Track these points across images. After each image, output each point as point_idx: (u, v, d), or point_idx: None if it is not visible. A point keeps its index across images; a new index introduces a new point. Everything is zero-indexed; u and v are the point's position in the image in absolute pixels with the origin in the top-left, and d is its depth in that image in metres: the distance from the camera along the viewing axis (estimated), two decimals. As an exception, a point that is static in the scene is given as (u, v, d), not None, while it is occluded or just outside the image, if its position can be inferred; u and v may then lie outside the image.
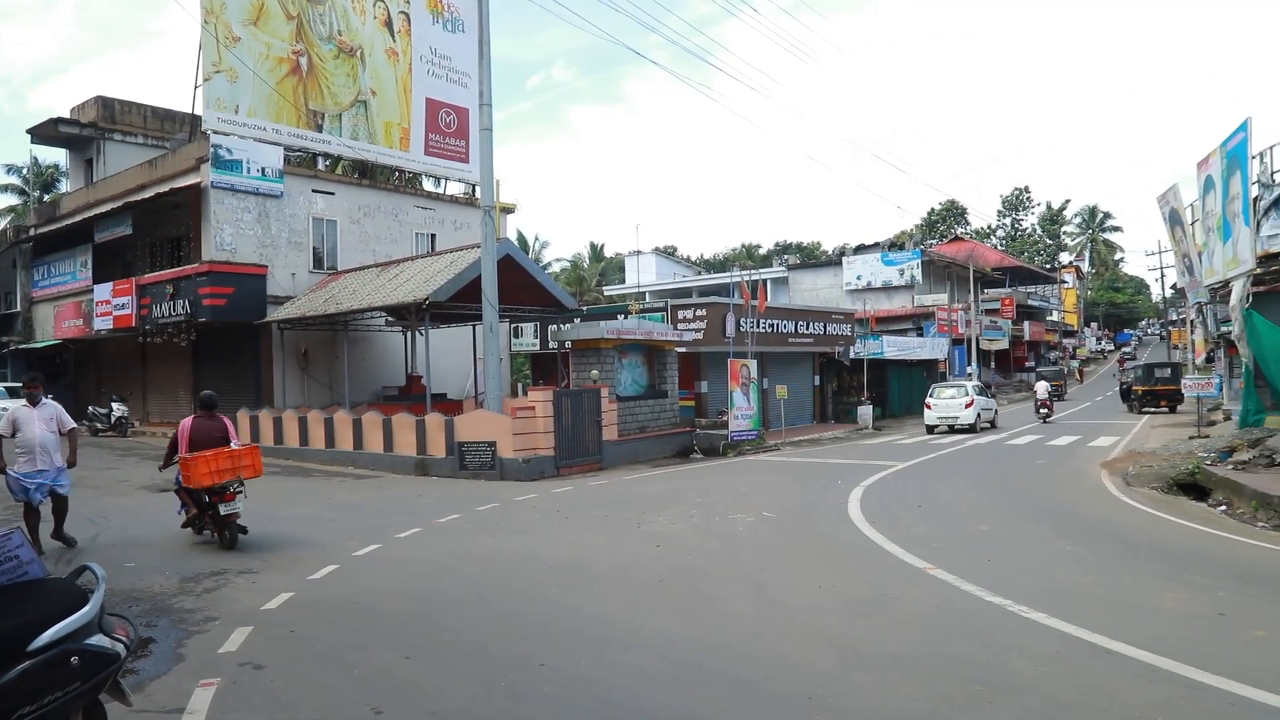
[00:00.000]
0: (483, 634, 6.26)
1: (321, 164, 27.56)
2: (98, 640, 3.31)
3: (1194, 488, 13.36)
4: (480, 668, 5.48)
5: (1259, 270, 16.35)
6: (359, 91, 25.72)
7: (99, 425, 25.10)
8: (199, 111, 22.71)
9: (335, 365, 24.33)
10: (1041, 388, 32.52)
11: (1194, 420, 22.41)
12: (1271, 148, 15.32)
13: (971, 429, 26.37)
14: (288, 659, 5.75)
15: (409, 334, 24.63)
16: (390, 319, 23.82)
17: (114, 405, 25.29)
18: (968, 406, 26.60)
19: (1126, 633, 5.78)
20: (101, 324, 25.49)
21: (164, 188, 23.33)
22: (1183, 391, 26.61)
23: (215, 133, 22.31)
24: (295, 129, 24.10)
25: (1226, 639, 5.79)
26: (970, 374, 42.65)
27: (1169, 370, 34.39)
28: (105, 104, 30.05)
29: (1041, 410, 30.74)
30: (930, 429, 27.15)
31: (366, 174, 27.90)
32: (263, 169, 23.30)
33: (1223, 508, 11.74)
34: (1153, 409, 33.10)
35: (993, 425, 28.45)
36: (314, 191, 24.96)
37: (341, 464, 19.21)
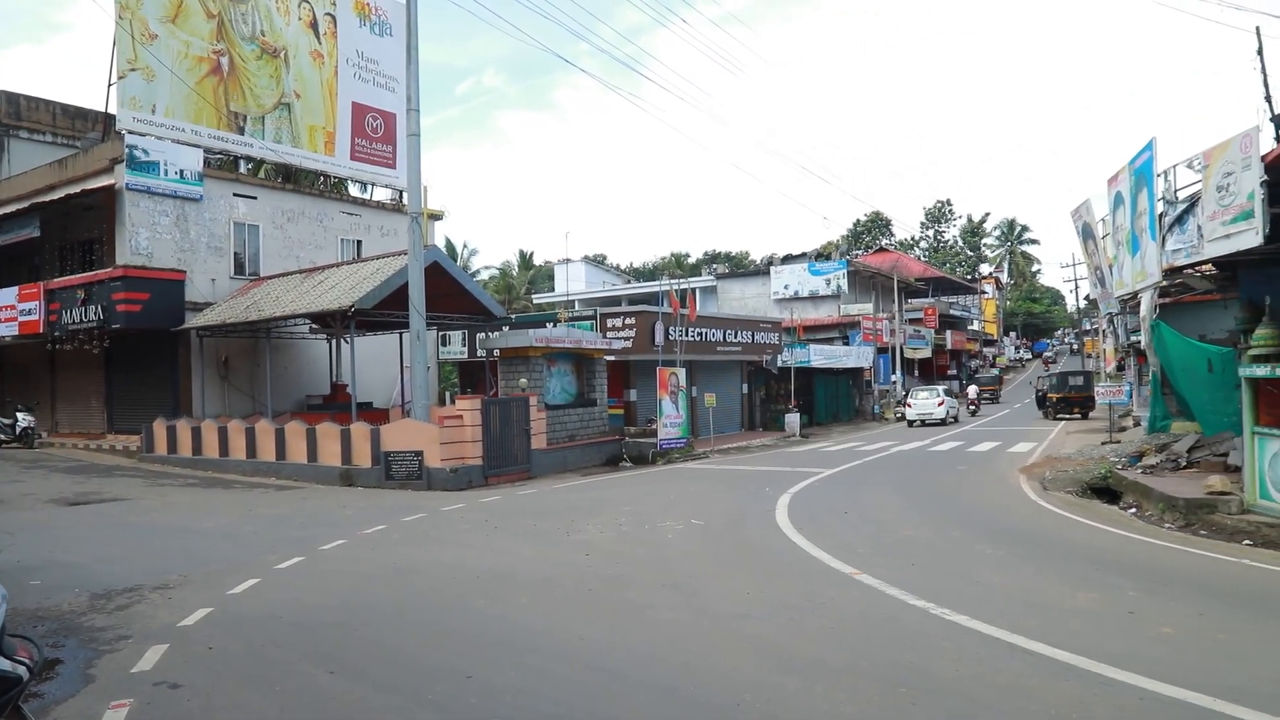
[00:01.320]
0: (409, 646, 6.15)
1: (243, 167, 26.85)
2: (-3, 662, 3.16)
3: (1107, 491, 13.87)
4: (406, 680, 5.39)
5: (1165, 283, 17.06)
6: (282, 94, 25.19)
7: (3, 436, 23.99)
8: (113, 110, 21.93)
9: (257, 374, 23.70)
10: (972, 390, 42.19)
11: (1106, 426, 23.35)
12: (1175, 166, 15.95)
13: (943, 422, 33.51)
14: (206, 677, 5.56)
15: (334, 342, 24.15)
16: (314, 327, 23.33)
17: (19, 415, 24.25)
18: (939, 405, 33.82)
19: (1043, 633, 5.97)
20: (6, 330, 24.38)
21: (75, 189, 22.44)
22: (1095, 399, 28.02)
23: (130, 133, 21.58)
24: (216, 130, 23.48)
25: (1136, 636, 6.01)
26: (895, 382, 44.11)
27: (1082, 378, 35.95)
28: (10, 99, 28.75)
29: (970, 407, 39.94)
30: (910, 423, 34.06)
31: (290, 178, 27.27)
32: (181, 171, 22.57)
33: (1133, 510, 12.20)
34: (1067, 416, 34.44)
35: (956, 420, 35.16)
36: (235, 195, 24.28)
37: (264, 475, 18.72)
